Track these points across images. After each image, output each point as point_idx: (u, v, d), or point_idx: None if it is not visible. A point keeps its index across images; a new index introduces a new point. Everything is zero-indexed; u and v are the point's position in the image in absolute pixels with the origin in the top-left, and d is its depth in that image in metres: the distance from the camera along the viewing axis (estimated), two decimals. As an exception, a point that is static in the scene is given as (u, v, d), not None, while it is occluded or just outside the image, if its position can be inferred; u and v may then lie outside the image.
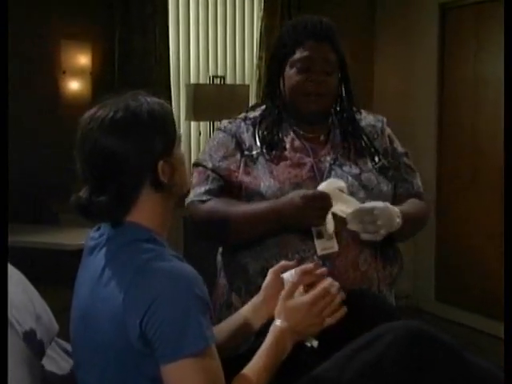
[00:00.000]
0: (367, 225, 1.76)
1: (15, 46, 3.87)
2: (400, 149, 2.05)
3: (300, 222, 1.78)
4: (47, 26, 3.97)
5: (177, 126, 1.44)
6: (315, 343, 1.50)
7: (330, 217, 1.79)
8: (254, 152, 1.92)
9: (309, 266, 1.55)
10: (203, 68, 4.44)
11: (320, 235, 1.81)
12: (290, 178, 1.86)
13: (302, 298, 1.49)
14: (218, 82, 4.34)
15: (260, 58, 4.43)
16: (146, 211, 1.38)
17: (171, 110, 1.45)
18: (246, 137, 1.94)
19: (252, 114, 2.01)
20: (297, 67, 1.90)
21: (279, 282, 1.59)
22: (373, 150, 1.96)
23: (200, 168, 1.96)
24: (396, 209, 1.81)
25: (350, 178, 1.88)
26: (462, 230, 4.28)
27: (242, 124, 1.97)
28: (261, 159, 1.90)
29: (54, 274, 3.11)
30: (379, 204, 1.78)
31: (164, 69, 4.17)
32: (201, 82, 4.40)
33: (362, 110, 2.06)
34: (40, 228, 3.50)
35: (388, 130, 2.05)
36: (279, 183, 1.85)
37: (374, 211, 1.75)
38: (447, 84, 4.39)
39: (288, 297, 1.50)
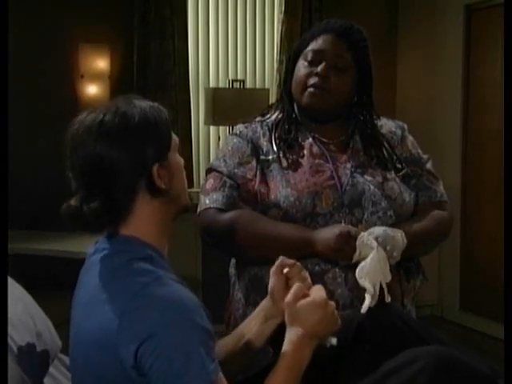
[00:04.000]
0: None
1: (33, 50, 3.86)
2: (422, 156, 1.96)
3: (333, 257, 1.71)
4: (65, 29, 3.96)
5: (171, 131, 1.36)
6: (334, 341, 1.39)
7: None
8: (271, 157, 1.83)
9: (290, 261, 1.47)
10: (222, 72, 4.40)
11: None
12: (308, 186, 1.77)
13: (313, 297, 1.38)
14: (238, 86, 4.28)
15: (280, 62, 4.36)
16: (142, 220, 1.30)
17: (165, 113, 1.36)
18: (263, 142, 1.86)
19: (269, 117, 1.93)
20: (307, 59, 1.83)
21: (285, 281, 1.48)
22: (395, 157, 1.88)
23: (215, 173, 1.86)
24: (397, 231, 1.71)
25: (371, 187, 1.79)
26: (488, 238, 4.18)
27: (259, 128, 1.89)
28: (277, 165, 1.82)
29: (69, 282, 3.06)
30: (377, 230, 1.68)
31: (183, 72, 4.14)
32: (220, 85, 4.35)
33: (382, 117, 1.97)
34: (55, 235, 3.46)
35: (410, 137, 1.97)
36: (297, 192, 1.76)
37: (378, 240, 1.66)
38: (473, 88, 4.30)
39: (296, 300, 1.38)
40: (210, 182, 1.85)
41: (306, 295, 1.40)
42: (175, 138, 1.36)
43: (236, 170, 1.83)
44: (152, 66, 4.05)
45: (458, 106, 4.35)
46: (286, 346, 1.35)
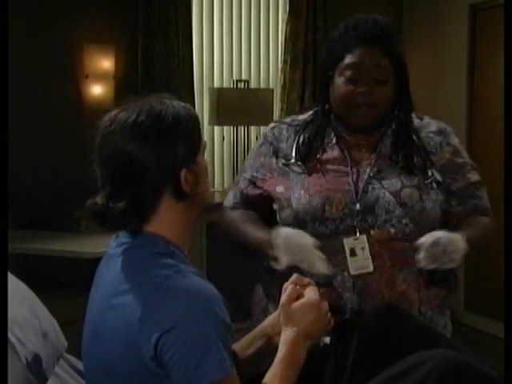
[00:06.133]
0: (441, 257, 1.67)
1: (37, 50, 3.87)
2: (467, 161, 1.92)
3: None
4: (70, 30, 3.96)
5: (202, 132, 1.37)
6: (327, 340, 1.45)
7: (363, 237, 1.72)
8: (291, 160, 1.85)
9: (305, 280, 1.49)
10: (227, 72, 4.40)
11: (353, 253, 1.72)
12: (320, 190, 1.77)
13: (307, 298, 1.43)
14: (242, 86, 4.29)
15: (285, 62, 4.37)
16: (165, 221, 1.31)
17: (197, 115, 1.38)
18: (284, 145, 1.88)
19: (301, 117, 1.94)
20: (345, 76, 1.79)
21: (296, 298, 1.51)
22: (428, 163, 1.82)
23: (240, 173, 1.96)
24: (457, 235, 1.71)
25: (387, 194, 1.76)
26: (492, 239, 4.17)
27: (284, 131, 1.91)
28: (296, 168, 1.84)
29: (74, 282, 3.07)
30: (439, 233, 1.69)
31: (187, 73, 4.14)
32: (224, 86, 4.36)
33: (425, 116, 1.93)
34: (60, 235, 3.47)
35: (452, 143, 1.90)
36: (309, 195, 1.77)
37: (441, 240, 1.67)
38: (478, 87, 4.29)
39: (291, 301, 1.42)
40: (234, 183, 1.98)
41: (300, 296, 1.44)
42: (204, 141, 1.37)
43: (257, 174, 1.88)
44: (156, 66, 4.05)
45: (463, 106, 4.34)
46: (282, 345, 1.38)
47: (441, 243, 1.67)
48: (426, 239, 1.68)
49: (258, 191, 1.87)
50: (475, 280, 4.35)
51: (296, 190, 1.79)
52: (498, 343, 3.85)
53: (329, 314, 1.44)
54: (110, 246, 1.37)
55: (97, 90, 4.03)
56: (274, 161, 1.87)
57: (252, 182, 1.87)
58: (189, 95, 4.13)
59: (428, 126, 1.90)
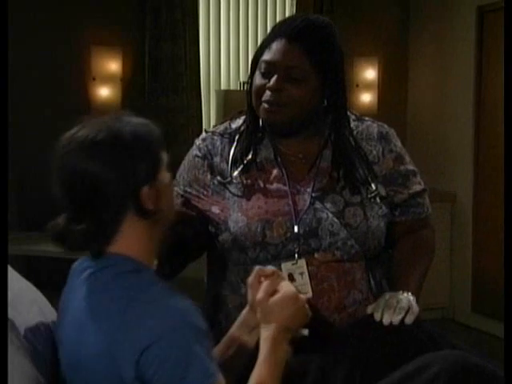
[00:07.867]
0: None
1: (45, 52, 3.88)
2: (409, 168, 1.78)
3: None
4: (77, 32, 3.99)
5: (162, 149, 1.32)
6: (306, 331, 1.41)
7: (303, 261, 1.62)
8: (226, 178, 1.71)
9: (268, 270, 1.44)
10: (234, 74, 4.41)
11: (292, 278, 1.61)
12: (259, 213, 1.65)
13: (284, 292, 1.38)
14: (249, 88, 4.29)
15: (291, 64, 4.36)
16: (130, 240, 1.28)
17: (158, 131, 1.33)
18: (219, 159, 1.73)
19: (235, 124, 1.78)
20: (260, 71, 1.66)
21: None
22: (371, 176, 1.70)
23: (175, 188, 1.76)
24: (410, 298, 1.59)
25: (330, 216, 1.64)
26: (499, 241, 4.16)
27: (218, 142, 1.75)
28: (232, 188, 1.69)
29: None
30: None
31: (194, 75, 4.15)
32: (231, 88, 4.36)
33: (366, 118, 1.80)
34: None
35: (395, 148, 1.77)
36: (247, 218, 1.64)
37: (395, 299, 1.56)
38: (486, 91, 4.28)
39: (267, 297, 1.38)
40: None
41: (275, 291, 1.40)
42: (165, 157, 1.33)
43: (190, 190, 1.74)
44: (164, 68, 4.06)
45: (470, 109, 4.33)
46: (264, 343, 1.35)
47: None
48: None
49: (195, 209, 1.71)
50: (482, 282, 4.34)
51: (233, 213, 1.66)
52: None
53: (306, 306, 1.40)
54: (72, 272, 1.34)
55: (104, 92, 4.04)
56: (209, 177, 1.71)
57: (185, 199, 1.72)
58: (195, 97, 4.15)
59: (368, 129, 1.76)
